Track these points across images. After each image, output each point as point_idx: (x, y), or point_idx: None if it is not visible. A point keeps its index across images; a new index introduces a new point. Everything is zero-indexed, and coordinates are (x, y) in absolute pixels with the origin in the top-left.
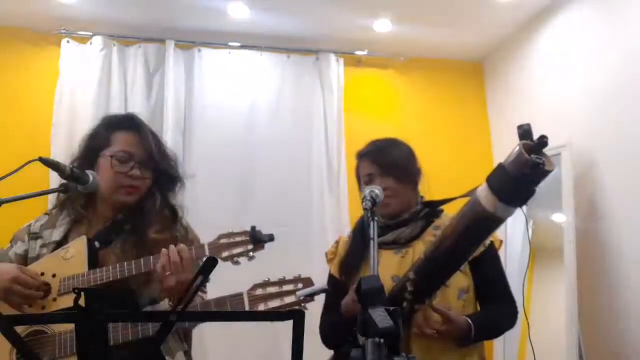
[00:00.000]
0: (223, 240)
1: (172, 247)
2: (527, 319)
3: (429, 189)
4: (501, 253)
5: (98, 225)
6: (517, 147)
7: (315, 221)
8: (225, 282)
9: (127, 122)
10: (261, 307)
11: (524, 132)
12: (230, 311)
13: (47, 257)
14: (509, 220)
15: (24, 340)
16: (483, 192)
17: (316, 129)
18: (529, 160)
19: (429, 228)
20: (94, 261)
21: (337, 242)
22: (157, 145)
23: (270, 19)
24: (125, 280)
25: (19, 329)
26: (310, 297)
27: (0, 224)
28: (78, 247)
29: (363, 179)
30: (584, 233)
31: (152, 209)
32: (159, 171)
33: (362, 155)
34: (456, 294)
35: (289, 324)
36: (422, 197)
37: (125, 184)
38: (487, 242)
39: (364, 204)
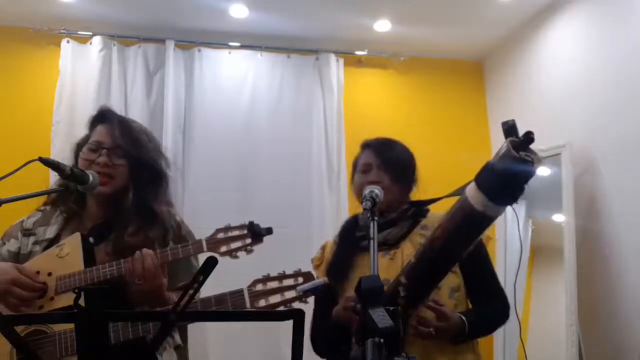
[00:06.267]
0: (220, 235)
1: (137, 254)
2: (518, 319)
3: (428, 187)
4: (501, 253)
5: (91, 222)
6: (505, 145)
7: (315, 221)
8: (224, 279)
9: (101, 116)
10: (262, 303)
11: (509, 127)
12: (229, 311)
13: (42, 255)
14: (508, 220)
15: (24, 340)
16: (472, 191)
17: (316, 128)
18: (517, 158)
19: (416, 228)
20: (89, 258)
21: (322, 248)
22: (125, 133)
23: (270, 19)
24: (122, 277)
25: (19, 328)
26: (311, 291)
27: (0, 224)
28: (73, 244)
29: (360, 167)
30: (584, 233)
31: (126, 205)
32: (135, 160)
33: (366, 145)
34: (447, 293)
35: (289, 323)
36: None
37: (95, 172)
38: None
39: (364, 204)
